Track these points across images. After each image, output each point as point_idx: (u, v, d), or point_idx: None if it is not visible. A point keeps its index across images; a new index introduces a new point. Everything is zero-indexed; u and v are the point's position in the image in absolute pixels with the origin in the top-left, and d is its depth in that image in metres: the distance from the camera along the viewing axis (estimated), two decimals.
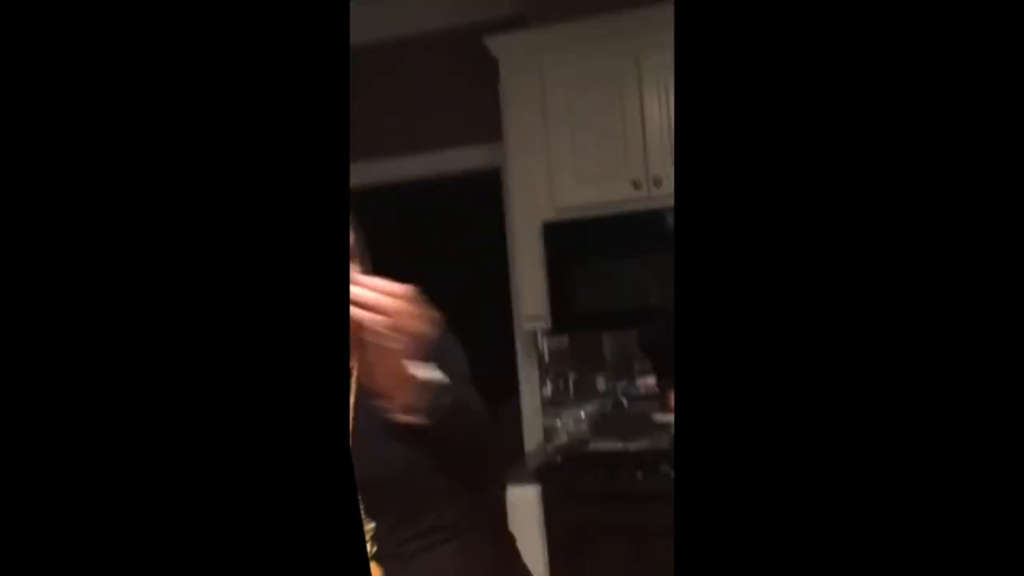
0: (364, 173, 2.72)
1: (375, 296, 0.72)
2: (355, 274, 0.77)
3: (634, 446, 2.30)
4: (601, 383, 2.54)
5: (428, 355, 0.79)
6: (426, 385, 0.77)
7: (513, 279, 2.50)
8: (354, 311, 0.71)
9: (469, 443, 0.87)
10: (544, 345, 2.56)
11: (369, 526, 0.95)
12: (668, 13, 0.58)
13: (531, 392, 2.63)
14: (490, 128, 2.47)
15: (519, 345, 2.64)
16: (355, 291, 0.71)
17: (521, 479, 2.22)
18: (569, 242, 2.29)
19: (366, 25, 2.58)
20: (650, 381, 2.45)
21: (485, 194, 2.69)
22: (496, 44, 2.33)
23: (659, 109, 2.16)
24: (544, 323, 2.37)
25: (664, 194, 2.14)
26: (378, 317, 0.71)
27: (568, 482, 2.21)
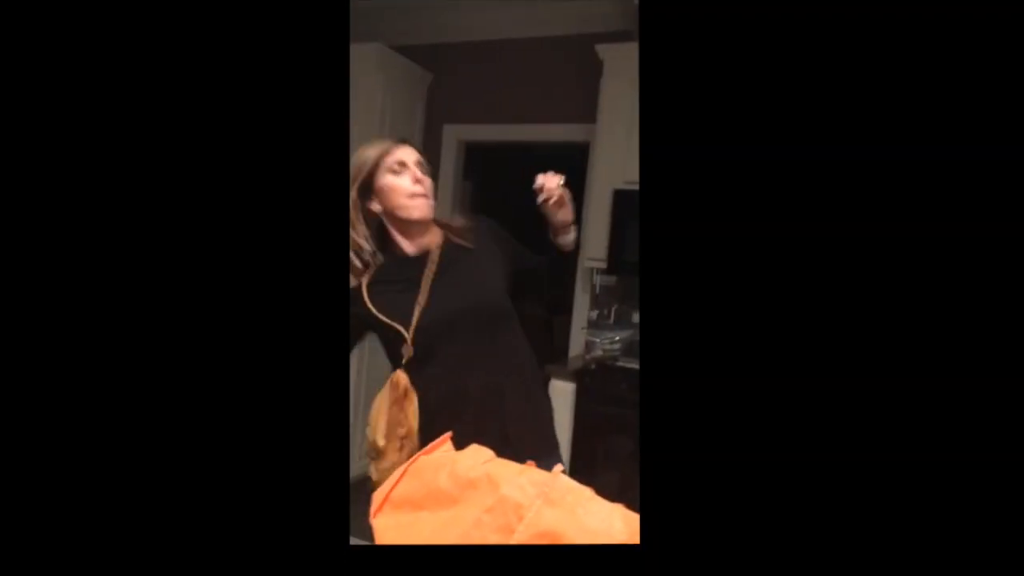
0: (485, 132, 3.45)
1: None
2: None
3: None
4: (635, 317, 3.01)
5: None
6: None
7: (583, 228, 2.91)
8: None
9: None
10: (597, 281, 3.07)
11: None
12: None
13: (581, 313, 3.17)
14: (586, 112, 3.08)
15: (579, 278, 3.13)
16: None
17: (561, 376, 2.68)
18: (631, 207, 2.75)
19: (508, 23, 3.26)
20: None
21: (574, 161, 3.18)
22: (604, 50, 2.87)
23: None
24: (601, 264, 2.87)
25: None
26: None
27: (597, 385, 2.63)
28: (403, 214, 1.26)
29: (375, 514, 0.78)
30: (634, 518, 0.68)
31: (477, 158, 3.87)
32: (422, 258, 1.28)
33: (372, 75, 3.19)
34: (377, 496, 0.79)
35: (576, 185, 3.23)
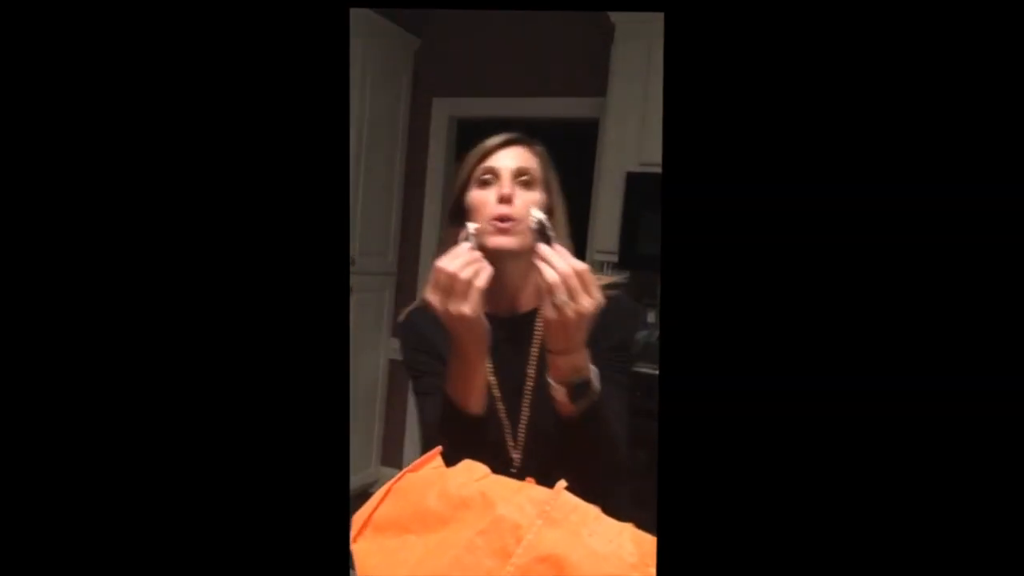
0: (479, 107, 3.33)
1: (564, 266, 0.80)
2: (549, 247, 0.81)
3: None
4: (651, 317, 2.83)
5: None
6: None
7: (592, 216, 2.91)
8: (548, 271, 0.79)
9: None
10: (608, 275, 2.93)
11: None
12: None
13: None
14: (596, 85, 2.94)
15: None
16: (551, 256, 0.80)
17: None
18: (646, 192, 2.65)
19: None
20: None
21: (581, 140, 3.10)
22: (617, 14, 2.74)
23: None
24: (612, 258, 2.77)
25: None
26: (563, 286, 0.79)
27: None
28: None
29: (355, 539, 0.76)
30: (646, 539, 0.68)
31: (470, 137, 3.67)
32: None
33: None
34: (357, 519, 0.78)
35: (584, 167, 3.10)
